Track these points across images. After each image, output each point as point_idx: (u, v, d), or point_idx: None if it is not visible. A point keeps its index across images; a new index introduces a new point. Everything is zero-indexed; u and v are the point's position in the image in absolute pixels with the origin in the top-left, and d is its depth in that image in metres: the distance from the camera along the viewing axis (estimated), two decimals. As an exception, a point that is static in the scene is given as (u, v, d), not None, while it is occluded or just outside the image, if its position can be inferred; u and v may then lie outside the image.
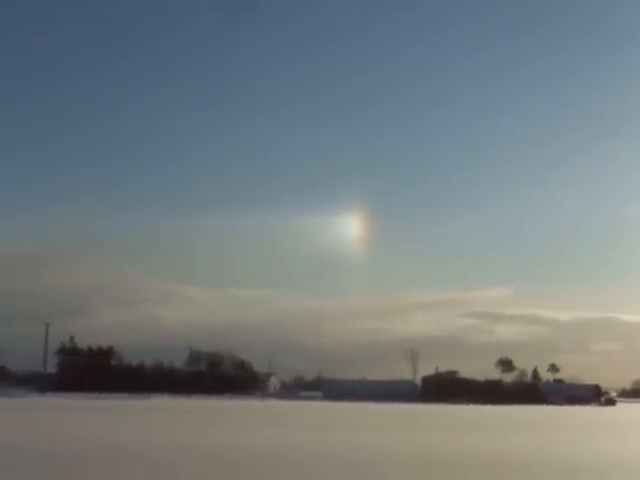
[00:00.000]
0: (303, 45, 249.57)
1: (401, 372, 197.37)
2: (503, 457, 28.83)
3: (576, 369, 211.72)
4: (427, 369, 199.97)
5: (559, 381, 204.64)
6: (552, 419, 79.48)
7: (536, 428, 57.41)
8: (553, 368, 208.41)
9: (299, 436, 39.78)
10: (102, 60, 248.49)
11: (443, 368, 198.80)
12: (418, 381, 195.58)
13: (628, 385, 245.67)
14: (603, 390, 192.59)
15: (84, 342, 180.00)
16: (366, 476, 21.95)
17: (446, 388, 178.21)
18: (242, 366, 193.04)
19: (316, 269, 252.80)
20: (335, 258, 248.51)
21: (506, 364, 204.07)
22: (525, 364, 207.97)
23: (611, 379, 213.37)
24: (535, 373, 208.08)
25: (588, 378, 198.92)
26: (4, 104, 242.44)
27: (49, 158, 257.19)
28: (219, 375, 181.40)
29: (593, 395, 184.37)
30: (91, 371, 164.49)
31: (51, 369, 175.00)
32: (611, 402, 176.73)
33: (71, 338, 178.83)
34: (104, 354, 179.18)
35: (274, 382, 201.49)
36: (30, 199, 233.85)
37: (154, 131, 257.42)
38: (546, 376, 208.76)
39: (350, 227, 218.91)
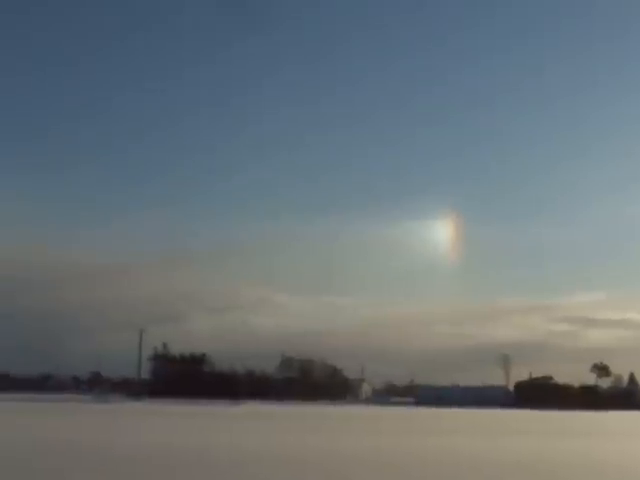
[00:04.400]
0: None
1: (493, 378, 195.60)
2: (596, 463, 28.31)
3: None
4: (519, 375, 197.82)
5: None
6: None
7: (632, 434, 56.26)
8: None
9: (395, 441, 39.58)
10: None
11: (536, 374, 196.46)
12: (511, 387, 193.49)
13: None
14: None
15: (177, 349, 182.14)
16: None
17: (540, 394, 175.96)
18: (334, 372, 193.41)
19: (408, 276, 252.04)
20: (427, 264, 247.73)
21: (601, 369, 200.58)
22: (621, 369, 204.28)
23: None
24: (631, 378, 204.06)
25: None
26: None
27: (137, 165, 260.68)
28: (311, 381, 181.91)
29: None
30: (184, 377, 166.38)
31: (145, 375, 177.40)
32: None
33: (164, 345, 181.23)
34: (196, 361, 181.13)
35: (366, 388, 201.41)
36: (121, 208, 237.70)
37: (245, 131, 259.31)
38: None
39: (442, 233, 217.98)
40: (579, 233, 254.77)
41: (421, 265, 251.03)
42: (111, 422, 56.34)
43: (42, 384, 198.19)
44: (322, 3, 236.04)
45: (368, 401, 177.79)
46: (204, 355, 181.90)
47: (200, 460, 25.99)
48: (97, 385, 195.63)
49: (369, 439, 41.07)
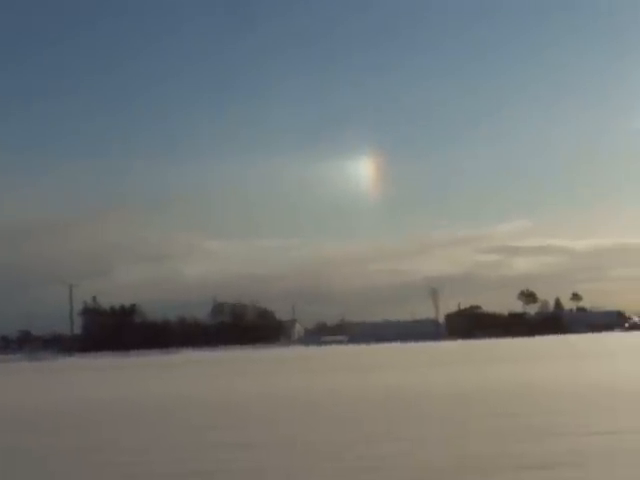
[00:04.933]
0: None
1: (424, 311, 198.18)
2: (525, 387, 28.89)
3: (597, 297, 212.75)
4: (449, 307, 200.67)
5: (582, 310, 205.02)
6: (576, 347, 79.53)
7: (559, 357, 57.42)
8: (575, 297, 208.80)
9: (329, 380, 39.91)
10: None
11: (465, 305, 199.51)
12: (441, 319, 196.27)
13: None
14: (626, 316, 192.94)
15: (108, 302, 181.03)
16: (404, 411, 22.01)
17: (470, 324, 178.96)
18: (265, 315, 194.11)
19: (333, 215, 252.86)
20: (353, 203, 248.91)
21: (528, 296, 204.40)
22: (547, 295, 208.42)
23: (632, 305, 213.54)
24: (557, 303, 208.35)
25: (609, 305, 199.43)
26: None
27: (67, 115, 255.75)
28: (243, 326, 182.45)
29: (617, 321, 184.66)
30: (115, 330, 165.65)
31: (77, 331, 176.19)
32: (636, 327, 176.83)
33: (94, 298, 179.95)
34: (127, 312, 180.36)
35: (298, 329, 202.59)
36: (51, 160, 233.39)
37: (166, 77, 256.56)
38: (568, 305, 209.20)
39: (366, 170, 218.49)
40: (501, 159, 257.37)
41: (347, 204, 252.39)
42: (41, 379, 55.93)
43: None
44: None
45: (301, 342, 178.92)
46: (134, 306, 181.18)
47: (129, 411, 25.95)
48: (27, 343, 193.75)
49: (298, 380, 41.36)
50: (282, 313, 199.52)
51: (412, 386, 32.21)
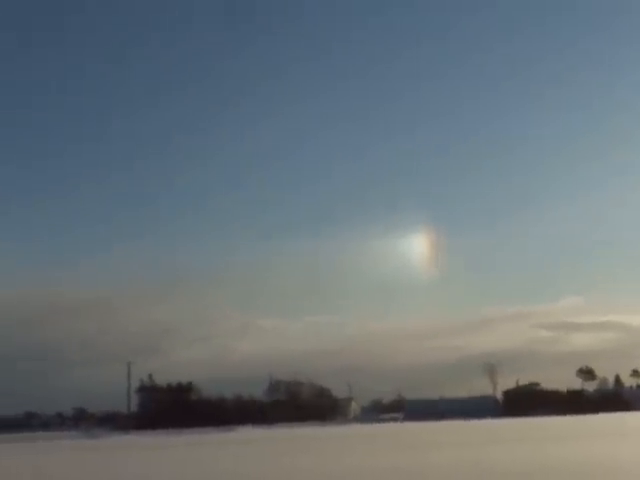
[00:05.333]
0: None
1: (481, 388, 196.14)
2: (586, 466, 28.74)
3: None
4: (507, 383, 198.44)
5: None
6: (637, 425, 78.36)
7: (619, 434, 56.72)
8: (635, 374, 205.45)
9: (385, 457, 39.88)
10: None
11: (523, 381, 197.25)
12: (499, 396, 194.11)
13: None
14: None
15: (163, 380, 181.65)
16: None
17: (528, 400, 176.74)
18: (321, 393, 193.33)
19: (390, 291, 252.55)
20: (408, 279, 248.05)
21: (587, 373, 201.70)
22: (606, 372, 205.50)
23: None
24: (617, 380, 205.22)
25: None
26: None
27: (117, 197, 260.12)
28: (299, 403, 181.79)
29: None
30: (172, 407, 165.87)
31: (133, 409, 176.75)
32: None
33: (150, 376, 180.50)
34: (184, 390, 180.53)
35: (354, 407, 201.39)
36: (104, 239, 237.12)
37: (223, 158, 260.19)
38: (628, 382, 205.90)
39: (420, 246, 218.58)
40: (552, 239, 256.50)
41: (402, 280, 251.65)
42: (96, 456, 56.32)
43: (26, 422, 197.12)
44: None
45: (357, 419, 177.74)
46: (191, 384, 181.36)
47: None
48: (82, 421, 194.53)
49: (358, 457, 41.33)
50: (338, 391, 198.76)
51: (470, 463, 32.12)
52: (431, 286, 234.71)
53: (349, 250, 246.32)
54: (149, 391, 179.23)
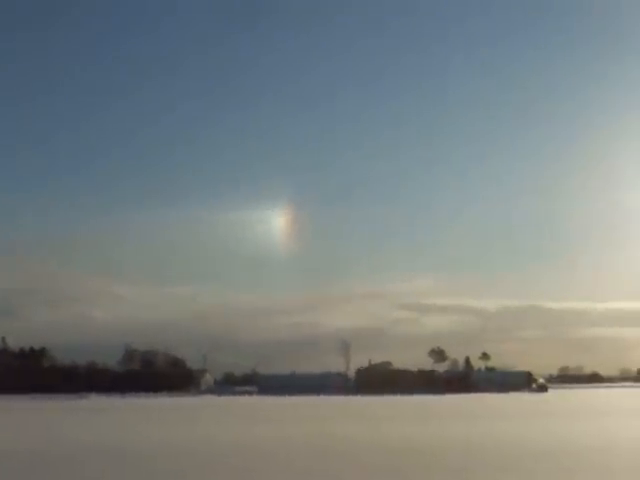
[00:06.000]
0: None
1: (334, 365, 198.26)
2: (424, 446, 29.53)
3: (506, 357, 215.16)
4: (360, 361, 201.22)
5: (491, 369, 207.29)
6: (484, 407, 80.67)
7: (467, 416, 58.32)
8: (484, 357, 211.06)
9: (231, 431, 40.16)
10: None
11: (376, 360, 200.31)
12: (351, 373, 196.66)
13: (555, 371, 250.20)
14: (533, 377, 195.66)
15: (18, 344, 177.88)
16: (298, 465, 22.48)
17: (380, 380, 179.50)
18: (176, 363, 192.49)
19: (246, 264, 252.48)
20: (266, 253, 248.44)
21: (438, 354, 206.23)
22: (456, 354, 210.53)
23: (539, 366, 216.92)
24: (467, 362, 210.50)
25: (517, 365, 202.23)
26: None
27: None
28: (154, 373, 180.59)
29: (524, 382, 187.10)
30: (22, 372, 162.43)
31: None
32: (543, 388, 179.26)
33: (2, 339, 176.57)
34: (36, 355, 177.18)
35: (208, 379, 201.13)
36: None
37: (81, 127, 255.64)
38: (478, 364, 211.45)
39: (280, 222, 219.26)
40: (413, 218, 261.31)
41: (260, 253, 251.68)
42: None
43: None
44: None
45: (210, 391, 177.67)
46: (44, 349, 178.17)
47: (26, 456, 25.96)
48: None
49: (207, 430, 41.50)
50: (192, 362, 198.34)
51: (304, 440, 32.66)
52: (289, 261, 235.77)
53: (208, 222, 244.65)
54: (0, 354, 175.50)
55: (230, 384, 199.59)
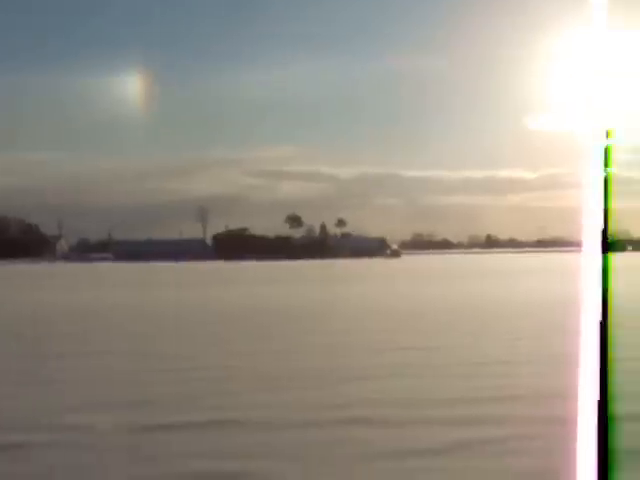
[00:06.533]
0: None
1: (191, 231, 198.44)
2: (278, 307, 30.31)
3: (361, 224, 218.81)
4: (217, 228, 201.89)
5: (346, 235, 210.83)
6: (338, 271, 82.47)
7: (322, 280, 59.58)
8: (340, 223, 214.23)
9: (82, 297, 40.26)
10: None
11: (233, 226, 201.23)
12: (209, 239, 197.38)
13: (408, 238, 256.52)
14: (387, 243, 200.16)
15: None
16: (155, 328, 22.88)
17: (237, 245, 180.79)
18: (30, 230, 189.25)
19: (102, 130, 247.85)
20: (121, 119, 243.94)
21: (294, 220, 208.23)
22: (312, 220, 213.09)
23: (392, 232, 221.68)
24: (323, 228, 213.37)
25: (372, 232, 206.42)
26: None
27: None
28: (6, 240, 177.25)
29: (379, 248, 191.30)
30: None
31: None
32: (396, 254, 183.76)
33: None
34: None
35: (63, 245, 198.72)
36: None
37: None
38: (333, 231, 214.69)
39: (135, 87, 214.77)
40: (272, 85, 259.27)
41: (116, 120, 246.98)
42: None
43: None
44: None
45: (65, 258, 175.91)
46: None
47: None
48: None
49: (65, 295, 41.46)
50: (47, 228, 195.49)
51: (182, 303, 33.09)
52: (146, 128, 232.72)
53: (64, 86, 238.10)
54: None
55: (86, 251, 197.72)
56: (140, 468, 8.19)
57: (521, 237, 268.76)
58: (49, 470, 8.17)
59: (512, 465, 8.05)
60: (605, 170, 4.06)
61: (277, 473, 7.93)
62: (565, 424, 9.58)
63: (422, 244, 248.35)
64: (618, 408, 10.22)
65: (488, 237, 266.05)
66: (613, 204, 4.01)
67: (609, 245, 3.79)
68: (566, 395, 11.35)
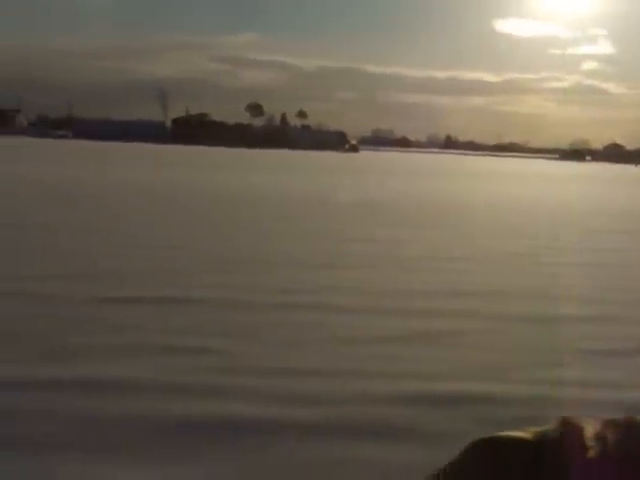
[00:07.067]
0: None
1: (151, 113, 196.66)
2: (233, 194, 30.32)
3: (321, 116, 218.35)
4: (177, 112, 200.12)
5: (306, 127, 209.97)
6: (297, 161, 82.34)
7: (280, 169, 59.50)
8: (301, 114, 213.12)
9: (41, 171, 39.94)
10: None
11: (193, 111, 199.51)
12: (168, 123, 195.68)
13: (367, 133, 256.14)
14: (346, 137, 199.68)
15: None
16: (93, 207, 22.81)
17: (197, 130, 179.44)
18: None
19: (64, 7, 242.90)
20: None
21: (255, 109, 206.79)
22: (274, 110, 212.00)
23: (352, 127, 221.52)
24: (283, 118, 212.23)
25: (332, 125, 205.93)
26: None
27: None
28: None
29: (338, 142, 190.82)
30: None
31: None
32: (354, 148, 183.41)
33: None
34: None
35: (21, 119, 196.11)
36: None
37: None
38: (294, 122, 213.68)
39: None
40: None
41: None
42: None
43: None
44: None
45: (24, 133, 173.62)
46: None
47: None
48: None
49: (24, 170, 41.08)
50: (5, 101, 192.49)
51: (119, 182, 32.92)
52: (109, 7, 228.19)
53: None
54: None
55: (45, 127, 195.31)
56: (99, 338, 8.22)
57: (480, 140, 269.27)
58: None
59: (465, 357, 8.18)
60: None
61: (239, 351, 8.00)
62: (519, 321, 9.75)
63: (381, 141, 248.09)
64: (570, 309, 10.43)
65: (448, 138, 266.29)
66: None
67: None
68: (523, 294, 11.54)
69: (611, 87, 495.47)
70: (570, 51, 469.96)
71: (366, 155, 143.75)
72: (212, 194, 28.90)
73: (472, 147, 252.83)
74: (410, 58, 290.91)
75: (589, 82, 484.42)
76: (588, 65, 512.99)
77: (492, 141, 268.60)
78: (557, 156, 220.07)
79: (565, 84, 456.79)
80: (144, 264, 12.94)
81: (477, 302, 10.89)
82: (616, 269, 14.60)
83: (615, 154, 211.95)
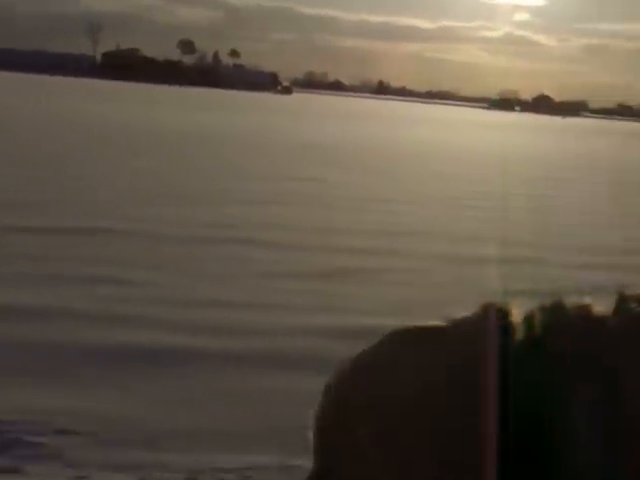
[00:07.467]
0: None
1: (81, 47, 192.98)
2: (149, 130, 30.12)
3: (254, 57, 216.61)
4: (108, 47, 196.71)
5: (239, 67, 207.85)
6: (230, 101, 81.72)
7: (210, 108, 58.95)
8: (233, 54, 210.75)
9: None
10: None
11: (124, 46, 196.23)
12: (98, 57, 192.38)
13: (300, 76, 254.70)
14: (279, 79, 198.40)
15: None
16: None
17: (127, 65, 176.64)
18: None
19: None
20: None
21: (187, 45, 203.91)
22: (206, 47, 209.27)
23: (285, 69, 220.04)
24: (215, 57, 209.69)
25: (265, 66, 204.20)
26: None
27: None
28: None
29: (270, 83, 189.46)
30: None
31: None
32: (287, 90, 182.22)
33: None
34: None
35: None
36: None
37: None
38: (226, 61, 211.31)
39: None
40: None
41: None
42: None
43: None
44: None
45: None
46: None
47: None
48: None
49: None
50: None
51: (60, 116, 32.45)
52: None
53: None
54: None
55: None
56: (19, 267, 8.14)
57: (412, 87, 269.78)
58: None
59: (383, 293, 8.27)
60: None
61: (165, 283, 7.99)
62: (441, 260, 9.87)
63: (314, 84, 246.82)
64: (493, 251, 10.57)
65: (380, 83, 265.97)
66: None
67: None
68: (448, 236, 11.67)
69: (542, 39, 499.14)
70: (503, 1, 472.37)
71: (299, 97, 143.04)
72: (145, 130, 28.63)
73: (404, 93, 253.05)
74: (344, 1, 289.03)
75: (520, 33, 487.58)
76: (520, 16, 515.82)
77: (424, 88, 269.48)
78: (486, 105, 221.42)
79: (497, 34, 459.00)
80: (72, 195, 12.81)
81: (402, 242, 11.00)
82: (542, 214, 14.84)
83: (544, 105, 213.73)
